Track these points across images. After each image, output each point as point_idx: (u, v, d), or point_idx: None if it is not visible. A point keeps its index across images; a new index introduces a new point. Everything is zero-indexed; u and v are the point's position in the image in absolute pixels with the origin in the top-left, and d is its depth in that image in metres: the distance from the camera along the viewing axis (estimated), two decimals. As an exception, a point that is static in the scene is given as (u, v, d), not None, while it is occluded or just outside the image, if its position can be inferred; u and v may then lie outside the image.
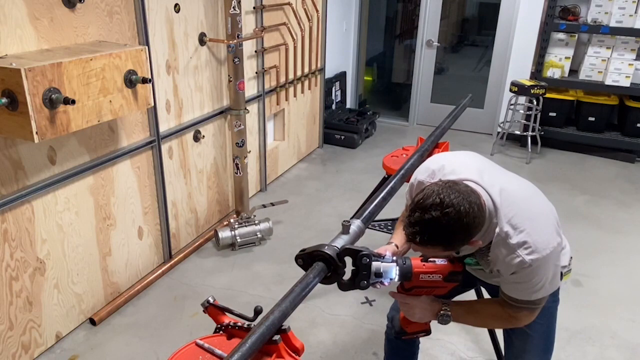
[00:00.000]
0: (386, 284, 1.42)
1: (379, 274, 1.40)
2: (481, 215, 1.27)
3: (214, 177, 3.49)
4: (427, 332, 1.61)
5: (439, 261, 1.47)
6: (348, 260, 1.41)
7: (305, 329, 2.63)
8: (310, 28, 4.39)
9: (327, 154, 5.02)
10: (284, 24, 3.96)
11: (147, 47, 2.32)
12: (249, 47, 3.56)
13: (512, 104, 4.89)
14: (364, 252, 1.38)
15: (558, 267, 1.41)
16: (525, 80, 4.83)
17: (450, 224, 1.23)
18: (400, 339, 1.66)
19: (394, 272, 1.42)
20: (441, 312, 1.52)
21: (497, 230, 1.33)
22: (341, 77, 5.62)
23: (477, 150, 1.59)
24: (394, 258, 1.44)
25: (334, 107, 5.53)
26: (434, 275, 1.45)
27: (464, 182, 1.33)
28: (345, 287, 1.42)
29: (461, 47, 6.56)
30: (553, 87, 4.93)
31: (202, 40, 3.09)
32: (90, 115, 2.05)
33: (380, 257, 1.42)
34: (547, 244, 1.32)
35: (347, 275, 1.41)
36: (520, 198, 1.38)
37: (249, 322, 1.33)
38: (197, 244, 3.33)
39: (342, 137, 5.16)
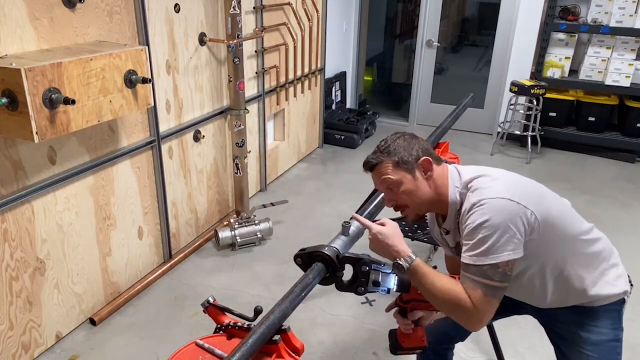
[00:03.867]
0: (383, 293, 1.42)
1: (377, 283, 1.39)
2: (418, 147, 1.49)
3: (214, 177, 3.49)
4: (423, 348, 1.60)
5: None
6: (348, 260, 1.40)
7: (305, 329, 2.63)
8: (310, 28, 4.39)
9: (327, 154, 5.02)
10: (284, 24, 3.96)
11: (147, 47, 2.32)
12: (249, 47, 3.56)
13: (512, 104, 4.89)
14: (364, 260, 1.38)
15: (512, 233, 1.31)
16: (525, 80, 4.83)
17: (387, 140, 1.51)
18: (397, 353, 1.65)
19: (392, 282, 1.41)
20: (402, 258, 1.38)
21: (465, 192, 1.45)
22: (341, 77, 5.62)
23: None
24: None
25: (334, 107, 5.53)
26: None
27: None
28: (342, 288, 1.42)
29: (461, 47, 6.55)
30: (553, 87, 4.93)
31: (202, 40, 3.09)
32: (90, 115, 2.05)
33: (380, 265, 1.41)
34: (494, 192, 1.36)
35: (346, 276, 1.41)
36: (485, 171, 1.49)
37: (249, 322, 1.33)
38: (197, 244, 3.33)
39: (342, 137, 5.16)
